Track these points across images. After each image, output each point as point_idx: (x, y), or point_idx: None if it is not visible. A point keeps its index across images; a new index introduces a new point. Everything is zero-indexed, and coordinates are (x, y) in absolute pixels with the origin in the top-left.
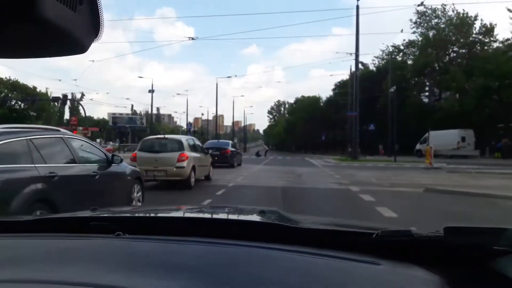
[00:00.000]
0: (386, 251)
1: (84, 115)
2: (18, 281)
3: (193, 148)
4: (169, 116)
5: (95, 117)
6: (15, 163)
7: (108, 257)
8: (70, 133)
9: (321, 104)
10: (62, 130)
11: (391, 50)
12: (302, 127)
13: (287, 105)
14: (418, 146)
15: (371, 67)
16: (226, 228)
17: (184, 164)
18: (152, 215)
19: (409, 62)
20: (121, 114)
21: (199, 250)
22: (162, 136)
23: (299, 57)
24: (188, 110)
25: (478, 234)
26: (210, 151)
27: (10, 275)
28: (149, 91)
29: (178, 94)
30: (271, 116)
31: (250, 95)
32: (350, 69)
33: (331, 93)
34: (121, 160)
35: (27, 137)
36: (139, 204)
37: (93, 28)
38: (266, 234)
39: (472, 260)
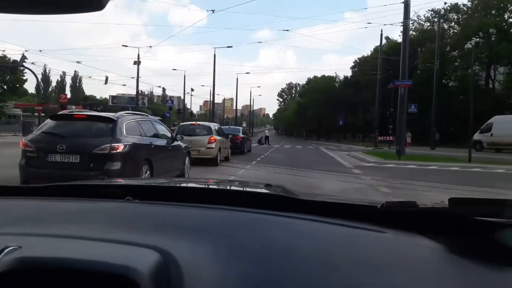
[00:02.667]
0: (391, 221)
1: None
2: (30, 235)
3: (218, 133)
4: (178, 98)
5: (98, 97)
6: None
7: (119, 218)
8: (154, 117)
9: (337, 85)
10: (149, 115)
11: (429, 15)
12: (315, 110)
13: (298, 88)
14: (477, 136)
15: (399, 39)
16: (233, 196)
17: (213, 145)
18: (159, 184)
19: (452, 31)
20: (123, 94)
21: (211, 214)
22: (195, 122)
23: (312, 41)
24: (199, 93)
25: (483, 205)
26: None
27: (13, 230)
28: (134, 62)
29: (175, 71)
30: (281, 100)
31: (261, 80)
32: (381, 35)
33: (348, 73)
34: (182, 138)
35: (137, 119)
36: (188, 171)
37: None
38: (272, 204)
39: (476, 231)
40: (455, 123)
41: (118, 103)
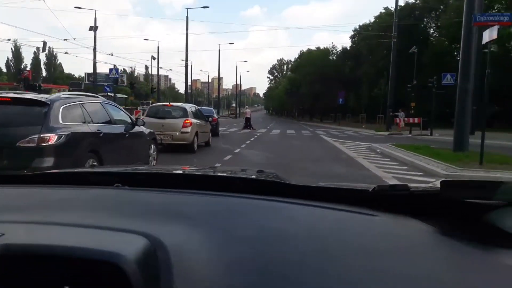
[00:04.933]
0: (382, 204)
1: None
2: (13, 222)
3: (196, 115)
4: (166, 77)
5: (76, 75)
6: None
7: (107, 205)
8: (104, 99)
9: (334, 58)
10: (100, 97)
11: None
12: (309, 87)
13: (290, 65)
14: None
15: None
16: (226, 182)
17: (188, 129)
18: (150, 171)
19: None
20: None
21: (201, 200)
22: (167, 103)
23: (303, 18)
24: (188, 73)
25: (475, 188)
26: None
27: (5, 218)
28: (90, 28)
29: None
30: (271, 77)
31: (252, 58)
32: None
33: (347, 43)
34: (144, 123)
35: (80, 102)
36: (154, 161)
37: None
38: (265, 190)
39: (467, 213)
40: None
41: (95, 81)
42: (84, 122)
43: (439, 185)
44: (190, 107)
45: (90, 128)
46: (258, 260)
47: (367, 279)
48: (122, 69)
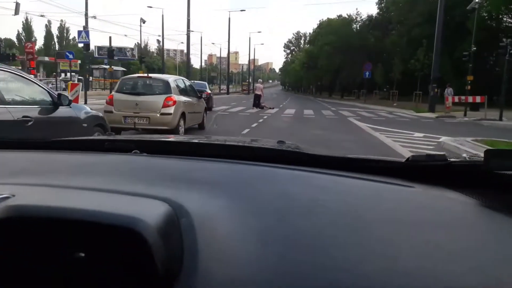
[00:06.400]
0: (418, 176)
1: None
2: (26, 184)
3: (183, 91)
4: (181, 51)
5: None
6: None
7: (126, 170)
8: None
9: (357, 27)
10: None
11: None
12: (328, 59)
13: (307, 38)
14: None
15: None
16: (247, 152)
17: (171, 110)
18: (169, 139)
19: None
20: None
21: (223, 167)
22: (145, 75)
23: None
24: (204, 47)
25: None
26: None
27: (9, 180)
28: None
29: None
30: (288, 51)
31: (269, 35)
32: None
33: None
34: (69, 102)
35: None
36: None
37: None
38: (289, 160)
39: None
40: None
41: (104, 54)
42: None
43: (482, 155)
44: (175, 79)
45: None
46: (286, 230)
47: (406, 252)
48: (137, 43)
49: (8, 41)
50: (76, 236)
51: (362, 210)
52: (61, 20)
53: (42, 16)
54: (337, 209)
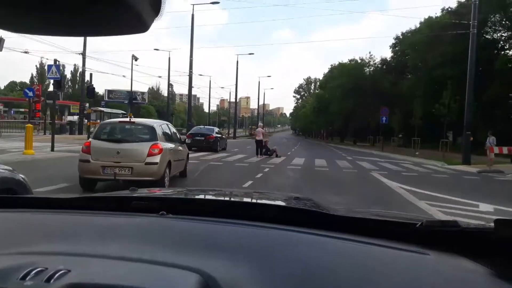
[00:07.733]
0: (431, 241)
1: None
2: (62, 253)
3: (168, 137)
4: (194, 96)
5: (101, 92)
6: None
7: (153, 235)
8: None
9: (370, 72)
10: None
11: None
12: (340, 103)
13: (318, 83)
14: None
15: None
16: (264, 211)
17: (157, 158)
18: (193, 196)
19: None
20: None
21: (242, 231)
22: (127, 119)
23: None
24: (215, 93)
25: None
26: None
27: (54, 248)
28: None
29: (201, 75)
30: (298, 96)
31: (280, 80)
32: None
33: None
34: None
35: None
36: None
37: (154, 6)
38: (305, 220)
39: None
40: None
41: (115, 98)
42: None
43: (493, 224)
44: (160, 124)
45: None
46: None
47: None
48: (150, 87)
49: (23, 84)
50: None
51: (377, 279)
52: (75, 64)
53: (56, 61)
54: (353, 278)
